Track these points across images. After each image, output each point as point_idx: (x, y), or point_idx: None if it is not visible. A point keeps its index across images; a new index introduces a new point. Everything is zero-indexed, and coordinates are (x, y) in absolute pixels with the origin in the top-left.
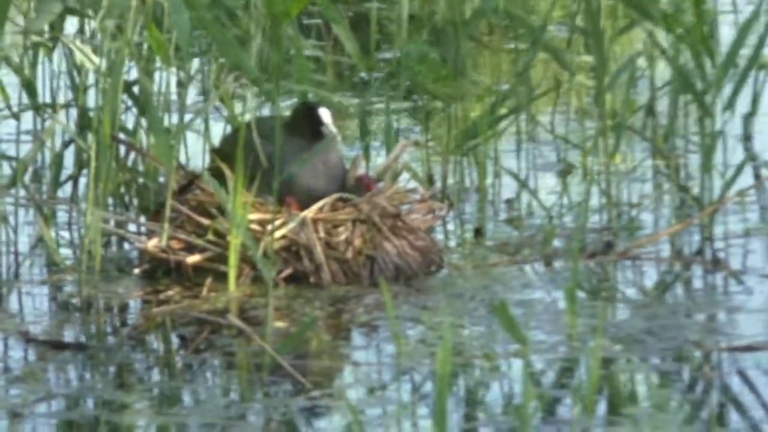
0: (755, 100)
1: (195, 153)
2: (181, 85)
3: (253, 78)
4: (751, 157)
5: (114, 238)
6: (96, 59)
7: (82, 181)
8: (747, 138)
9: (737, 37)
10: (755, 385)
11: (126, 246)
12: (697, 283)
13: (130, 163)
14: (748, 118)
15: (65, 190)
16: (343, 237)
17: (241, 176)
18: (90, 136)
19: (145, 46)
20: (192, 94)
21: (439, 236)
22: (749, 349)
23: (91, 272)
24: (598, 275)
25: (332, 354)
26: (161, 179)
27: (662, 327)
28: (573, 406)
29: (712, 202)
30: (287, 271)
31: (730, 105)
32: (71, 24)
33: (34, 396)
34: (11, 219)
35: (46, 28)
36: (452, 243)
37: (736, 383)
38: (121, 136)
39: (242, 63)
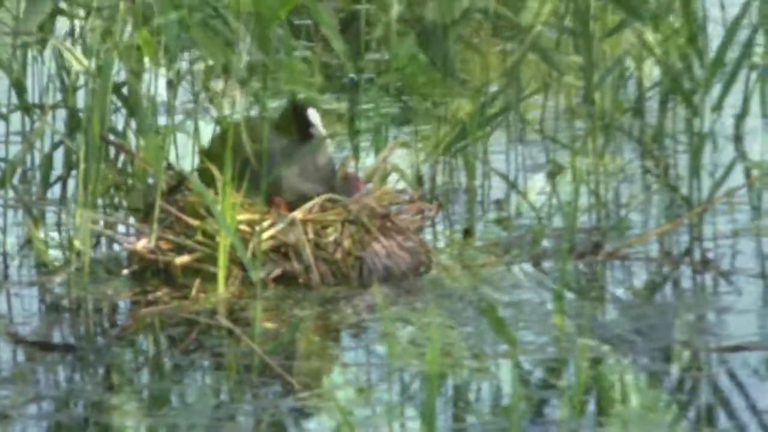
0: (746, 101)
1: (184, 154)
2: (171, 86)
3: (241, 79)
4: (742, 157)
5: (103, 239)
6: (85, 60)
7: (72, 182)
8: (738, 139)
9: (725, 37)
10: (744, 386)
11: (115, 247)
12: (686, 284)
13: (119, 164)
14: (740, 118)
15: (54, 192)
16: (332, 238)
17: (230, 177)
18: (79, 137)
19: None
20: (182, 95)
21: (428, 237)
22: (738, 349)
23: (79, 273)
24: (586, 275)
25: (321, 355)
26: (150, 180)
27: (651, 327)
28: (561, 407)
29: (701, 202)
30: (276, 272)
31: (718, 105)
32: (61, 25)
33: (23, 397)
34: (0, 220)
35: (35, 29)
36: (441, 244)
37: (725, 383)
38: (111, 137)
39: (230, 64)
